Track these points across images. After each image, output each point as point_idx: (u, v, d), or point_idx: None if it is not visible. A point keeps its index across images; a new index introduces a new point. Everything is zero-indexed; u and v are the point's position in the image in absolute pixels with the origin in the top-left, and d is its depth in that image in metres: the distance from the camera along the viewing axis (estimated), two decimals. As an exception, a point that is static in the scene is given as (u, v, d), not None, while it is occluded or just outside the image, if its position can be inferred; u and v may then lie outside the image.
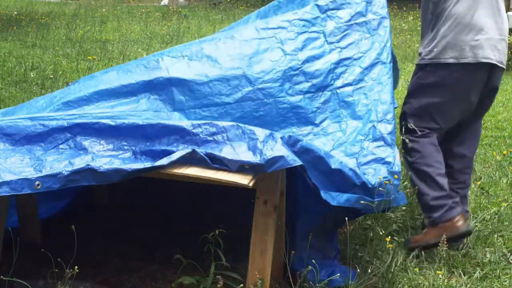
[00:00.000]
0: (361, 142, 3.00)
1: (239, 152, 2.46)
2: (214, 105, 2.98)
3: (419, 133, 3.34)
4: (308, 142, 2.69)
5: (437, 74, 3.31)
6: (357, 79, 3.25)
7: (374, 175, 2.82)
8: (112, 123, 2.51)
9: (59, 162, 2.28)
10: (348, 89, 3.21)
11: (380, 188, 2.74)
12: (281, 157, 2.38)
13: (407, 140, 3.33)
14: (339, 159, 2.75)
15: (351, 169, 2.72)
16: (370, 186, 2.74)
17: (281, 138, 2.49)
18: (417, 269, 3.03)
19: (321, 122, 3.11)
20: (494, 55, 3.26)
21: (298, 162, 2.43)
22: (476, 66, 3.25)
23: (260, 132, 2.52)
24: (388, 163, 2.90)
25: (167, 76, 2.99)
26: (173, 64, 3.06)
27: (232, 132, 2.53)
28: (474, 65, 3.24)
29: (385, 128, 3.04)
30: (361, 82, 3.24)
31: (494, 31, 3.28)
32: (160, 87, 2.97)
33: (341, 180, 2.68)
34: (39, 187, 2.15)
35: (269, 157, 2.38)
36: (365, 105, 3.16)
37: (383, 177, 2.79)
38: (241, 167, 2.39)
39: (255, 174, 2.40)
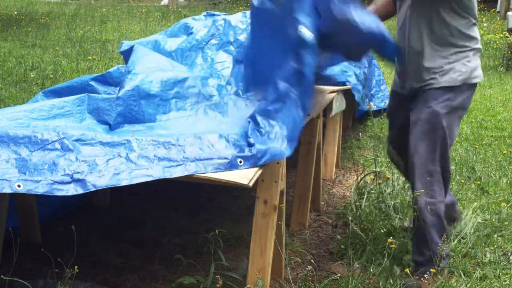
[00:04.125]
0: None
1: (226, 148, 2.54)
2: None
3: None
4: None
5: (464, 96, 2.97)
6: None
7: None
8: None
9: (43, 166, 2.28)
10: None
11: None
12: (265, 151, 2.52)
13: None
14: None
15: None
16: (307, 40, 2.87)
17: (252, 130, 2.61)
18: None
19: None
20: None
21: (283, 155, 2.60)
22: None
23: (235, 133, 2.63)
24: None
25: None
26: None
27: (212, 138, 2.61)
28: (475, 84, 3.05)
29: None
30: None
31: None
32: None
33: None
34: (20, 188, 2.15)
35: (258, 149, 2.51)
36: None
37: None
38: (234, 161, 2.45)
39: (250, 167, 2.48)
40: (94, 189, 2.24)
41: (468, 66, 2.93)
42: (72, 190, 2.21)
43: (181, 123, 3.07)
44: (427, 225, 2.89)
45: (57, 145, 2.41)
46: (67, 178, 2.22)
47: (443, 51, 2.92)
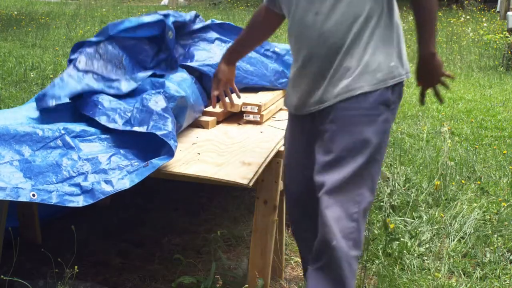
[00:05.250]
0: None
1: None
2: None
3: None
4: None
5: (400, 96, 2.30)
6: None
7: None
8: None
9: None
10: None
11: None
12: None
13: None
14: None
15: None
16: None
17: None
18: (417, 269, 3.03)
19: None
20: None
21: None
22: None
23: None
24: None
25: None
26: None
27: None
28: None
29: None
30: None
31: None
32: None
33: None
34: (34, 197, 2.15)
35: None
36: None
37: None
38: None
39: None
40: (103, 197, 2.27)
41: None
42: (82, 201, 2.24)
43: None
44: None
45: (59, 142, 2.41)
46: (77, 190, 2.26)
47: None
